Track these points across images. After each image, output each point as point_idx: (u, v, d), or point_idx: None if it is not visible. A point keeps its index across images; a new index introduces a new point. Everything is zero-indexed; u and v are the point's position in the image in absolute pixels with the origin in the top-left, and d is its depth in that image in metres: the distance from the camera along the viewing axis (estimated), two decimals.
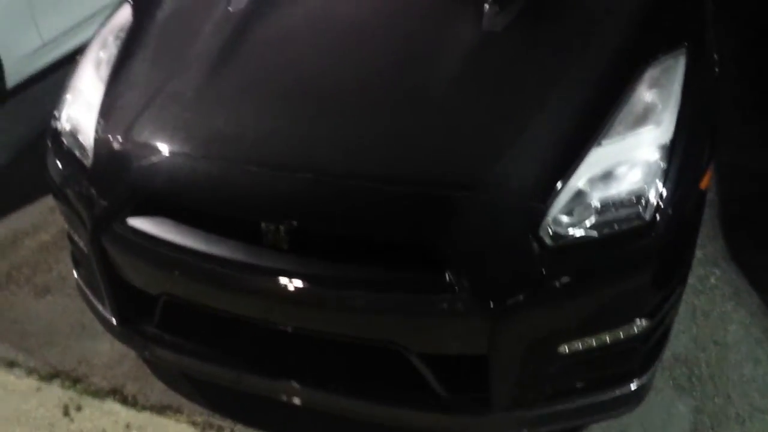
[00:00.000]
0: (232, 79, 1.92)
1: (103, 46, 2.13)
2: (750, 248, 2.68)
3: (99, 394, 2.23)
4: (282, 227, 1.64)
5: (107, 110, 1.92)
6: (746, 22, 4.22)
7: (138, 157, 1.79)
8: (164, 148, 1.78)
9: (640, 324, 1.72)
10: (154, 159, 1.77)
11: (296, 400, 1.87)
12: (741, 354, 2.28)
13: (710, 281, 2.55)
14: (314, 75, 1.90)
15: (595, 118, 1.68)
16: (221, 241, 1.70)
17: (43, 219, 2.99)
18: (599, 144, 1.65)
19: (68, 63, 2.17)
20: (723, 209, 2.88)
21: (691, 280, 2.53)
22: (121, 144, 1.84)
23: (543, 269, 1.57)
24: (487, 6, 1.98)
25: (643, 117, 1.70)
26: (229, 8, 2.12)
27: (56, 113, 2.04)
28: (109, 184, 1.82)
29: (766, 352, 2.28)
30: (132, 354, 2.30)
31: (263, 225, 1.65)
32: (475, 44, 1.88)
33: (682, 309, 2.41)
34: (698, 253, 2.64)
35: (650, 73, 1.76)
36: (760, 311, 2.43)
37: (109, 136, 1.86)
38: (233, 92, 1.89)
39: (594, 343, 1.70)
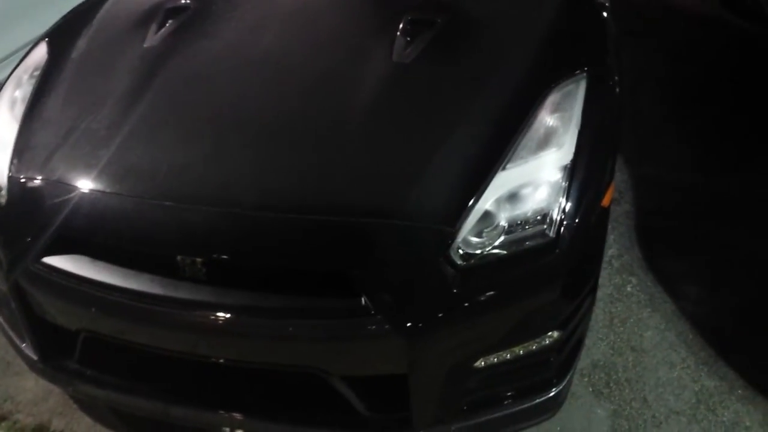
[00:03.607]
0: (146, 116, 1.93)
1: (18, 85, 2.12)
2: (666, 258, 2.80)
3: (25, 431, 2.20)
4: (198, 260, 1.66)
5: (21, 149, 1.91)
6: (673, 42, 4.41)
7: (51, 196, 1.79)
8: (78, 185, 1.78)
9: (552, 336, 1.80)
10: (68, 197, 1.77)
11: (224, 429, 1.88)
12: (656, 359, 2.39)
13: (627, 289, 2.66)
14: (228, 109, 1.93)
15: (500, 144, 1.75)
16: (138, 277, 1.71)
17: None
18: (504, 168, 1.72)
19: None
20: (641, 221, 3.00)
21: (609, 289, 2.64)
22: (34, 183, 1.83)
23: (455, 289, 1.63)
24: (396, 38, 2.04)
25: (545, 140, 1.78)
26: (144, 45, 2.14)
27: None
28: (23, 223, 1.81)
29: (681, 356, 2.39)
30: (58, 389, 2.28)
31: (179, 258, 1.66)
32: (386, 76, 1.94)
33: (600, 317, 2.52)
34: (615, 263, 2.77)
35: (552, 98, 1.85)
36: (675, 317, 2.54)
37: (23, 174, 1.85)
38: (147, 129, 1.90)
39: (509, 357, 1.77)
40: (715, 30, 4.47)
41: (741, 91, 3.84)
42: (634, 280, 2.70)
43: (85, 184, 1.78)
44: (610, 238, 2.84)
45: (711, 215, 3.00)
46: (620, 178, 3.18)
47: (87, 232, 1.77)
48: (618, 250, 2.84)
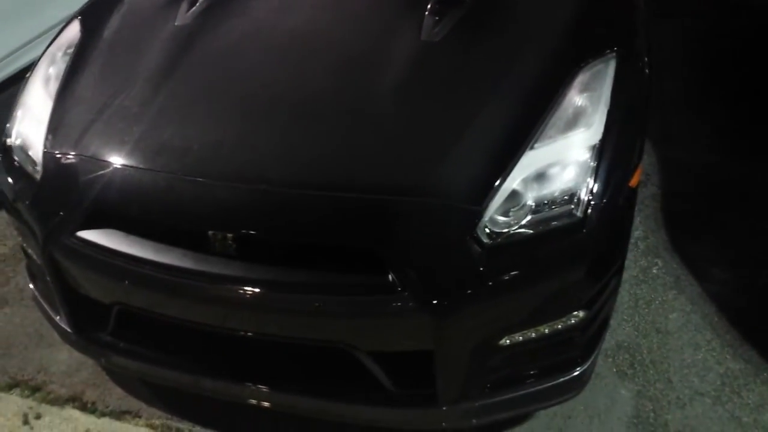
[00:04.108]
0: (177, 93, 1.96)
1: (52, 62, 2.16)
2: (692, 240, 2.79)
3: (58, 401, 2.27)
4: (229, 235, 1.69)
5: (56, 125, 1.95)
6: (703, 23, 4.34)
7: (85, 171, 1.83)
8: (111, 161, 1.82)
9: (577, 315, 1.81)
10: (102, 172, 1.80)
11: (251, 401, 1.92)
12: (682, 340, 2.39)
13: (652, 271, 2.65)
14: (258, 87, 1.95)
15: (528, 123, 1.76)
16: (170, 251, 1.74)
17: (0, 231, 3.00)
18: (532, 147, 1.72)
19: (21, 79, 2.20)
20: (666, 203, 2.99)
21: (634, 270, 2.64)
22: (69, 158, 1.87)
23: (481, 267, 1.64)
24: (425, 17, 2.04)
25: (574, 120, 1.78)
26: (176, 23, 2.16)
27: (7, 129, 2.06)
28: (58, 198, 1.86)
29: (706, 339, 2.39)
30: (90, 361, 2.34)
31: (210, 233, 1.69)
32: (414, 54, 1.95)
33: (625, 298, 2.52)
34: (641, 245, 2.76)
35: (581, 78, 1.84)
36: (701, 299, 2.53)
37: (58, 150, 1.89)
38: (179, 106, 1.93)
39: (534, 335, 1.79)
40: (745, 11, 4.39)
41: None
42: (659, 262, 2.69)
43: (118, 160, 1.82)
44: (636, 220, 2.83)
45: (738, 199, 2.98)
46: (647, 160, 3.15)
47: (120, 207, 1.80)
48: (644, 233, 2.83)
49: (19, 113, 2.07)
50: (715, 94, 3.68)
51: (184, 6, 2.22)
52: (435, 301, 1.64)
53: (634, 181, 1.84)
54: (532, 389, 1.86)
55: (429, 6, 2.08)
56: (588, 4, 2.14)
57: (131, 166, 1.80)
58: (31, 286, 2.20)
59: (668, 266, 2.67)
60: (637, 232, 2.82)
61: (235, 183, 1.74)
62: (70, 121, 1.95)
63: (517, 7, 2.14)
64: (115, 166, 1.81)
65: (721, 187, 3.04)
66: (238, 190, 1.73)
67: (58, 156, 1.89)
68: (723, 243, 2.76)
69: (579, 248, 1.72)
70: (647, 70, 2.05)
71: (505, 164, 1.70)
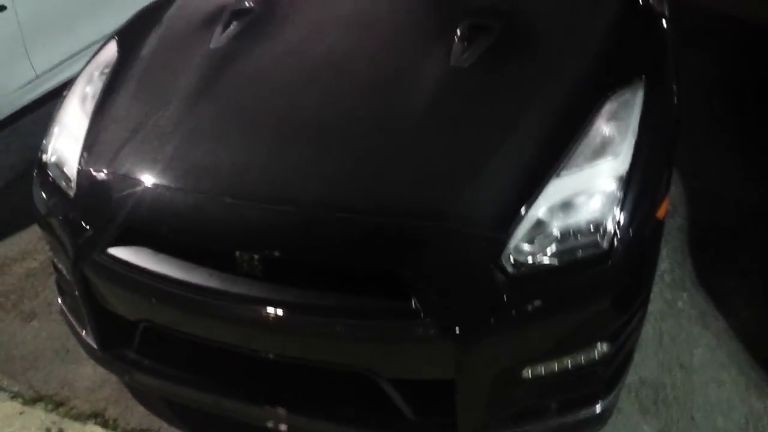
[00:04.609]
0: (211, 114, 2.00)
1: (89, 81, 2.22)
2: (719, 274, 2.75)
3: (81, 417, 2.28)
4: (256, 256, 1.70)
5: (91, 143, 1.99)
6: (729, 52, 4.32)
7: (118, 189, 1.86)
8: (144, 180, 1.85)
9: (601, 348, 1.79)
10: (135, 191, 1.84)
11: (269, 424, 1.92)
12: (706, 377, 2.34)
13: (678, 305, 2.62)
14: (288, 109, 1.98)
15: (555, 151, 1.76)
16: (197, 270, 1.77)
17: (32, 246, 3.06)
18: (558, 175, 1.73)
19: (60, 94, 2.26)
20: (694, 235, 2.95)
21: (659, 304, 2.61)
22: (103, 176, 1.91)
23: (505, 296, 1.64)
24: (454, 44, 2.07)
25: (601, 149, 1.78)
26: (211, 46, 2.22)
27: (43, 145, 2.12)
28: (91, 215, 1.89)
29: (731, 376, 2.34)
30: (114, 378, 2.35)
31: (238, 254, 1.71)
32: (443, 80, 1.97)
33: (649, 332, 2.49)
34: (667, 278, 2.73)
35: (609, 107, 1.85)
36: (726, 335, 2.49)
37: (92, 168, 1.93)
38: (211, 126, 1.97)
39: (557, 367, 1.77)
40: None
41: None
42: (685, 296, 2.66)
43: (150, 179, 1.85)
44: (663, 252, 2.80)
45: (763, 232, 2.93)
46: (674, 191, 3.13)
47: (150, 225, 1.83)
48: (670, 265, 2.80)
49: (56, 130, 2.13)
50: (746, 123, 3.64)
51: (218, 29, 2.28)
52: (458, 329, 1.63)
53: (661, 212, 1.83)
54: (553, 422, 1.84)
55: (459, 32, 2.10)
56: (616, 31, 2.15)
57: (163, 185, 1.83)
58: (59, 300, 2.23)
59: (694, 300, 2.64)
60: (663, 265, 2.79)
61: (263, 204, 1.76)
62: (105, 139, 1.99)
63: (545, 34, 2.16)
64: (146, 184, 1.84)
65: (751, 220, 3.00)
66: (266, 211, 1.75)
67: (92, 173, 1.93)
68: (751, 278, 2.72)
69: (604, 280, 1.71)
70: (675, 99, 2.05)
71: (531, 192, 1.70)
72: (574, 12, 2.24)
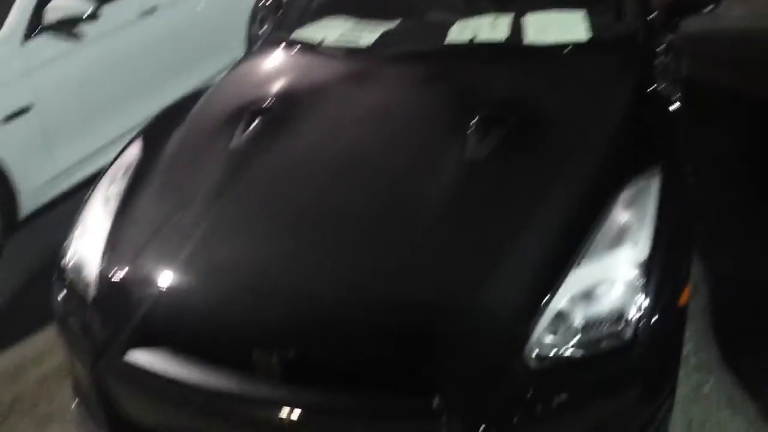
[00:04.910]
0: (230, 213, 2.02)
1: (112, 182, 2.25)
2: (745, 355, 2.67)
3: None
4: (276, 356, 1.69)
5: (112, 246, 2.01)
6: (741, 131, 4.35)
7: (138, 293, 1.87)
8: (163, 282, 1.86)
9: None
10: (153, 294, 1.84)
11: None
12: None
13: (704, 390, 2.54)
14: (307, 208, 2.00)
15: (573, 240, 1.76)
16: (216, 374, 1.74)
17: (49, 347, 3.02)
18: (578, 265, 1.72)
19: (82, 191, 2.28)
20: (717, 316, 2.90)
21: (685, 389, 2.53)
22: (122, 279, 1.92)
23: (529, 392, 1.61)
24: (469, 137, 2.10)
25: (620, 237, 1.77)
26: (231, 145, 2.25)
27: (64, 247, 2.13)
28: (109, 320, 1.89)
29: None
30: None
31: (258, 355, 1.70)
32: (459, 173, 1.99)
33: (678, 419, 2.40)
34: (692, 360, 2.67)
35: (625, 195, 1.85)
36: (759, 419, 2.41)
37: (112, 271, 1.94)
38: (231, 227, 1.99)
39: None
40: None
41: None
42: (712, 380, 2.59)
43: (170, 281, 1.85)
44: (687, 334, 2.71)
45: None
46: (695, 270, 3.09)
47: (170, 329, 1.83)
48: (695, 347, 2.74)
49: (77, 232, 2.14)
50: (763, 200, 3.64)
51: (239, 129, 2.31)
52: (483, 427, 1.60)
53: (683, 300, 1.82)
54: None
55: (473, 125, 2.13)
56: (629, 120, 2.18)
57: (181, 288, 1.84)
58: (75, 404, 2.20)
59: (721, 383, 2.57)
60: (687, 347, 2.72)
61: (282, 303, 1.76)
62: (126, 242, 2.01)
63: (560, 124, 2.19)
64: (165, 287, 1.85)
65: None
66: (287, 309, 1.75)
67: (112, 277, 1.94)
68: None
69: (629, 372, 1.69)
70: (691, 181, 2.06)
71: (551, 283, 1.69)
72: (586, 102, 2.27)
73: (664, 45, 2.60)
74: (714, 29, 4.69)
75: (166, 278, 1.86)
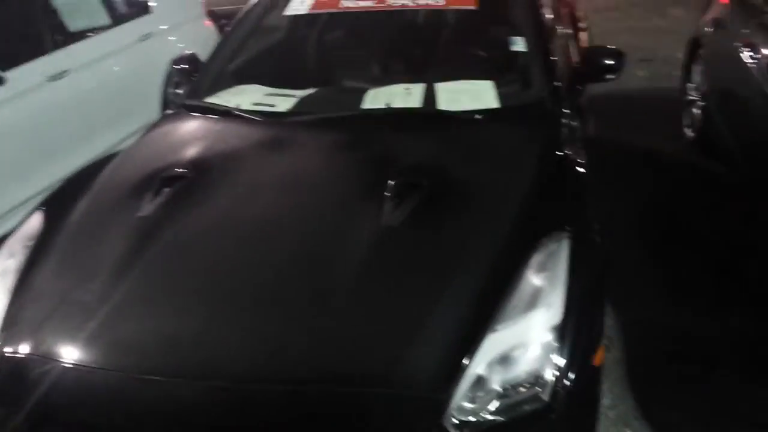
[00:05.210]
0: (135, 287, 1.94)
1: (10, 255, 2.14)
2: (661, 405, 2.74)
3: None
4: None
5: (9, 323, 1.91)
6: (641, 187, 4.55)
7: (37, 372, 1.76)
8: (64, 360, 1.77)
9: None
10: (53, 373, 1.74)
11: None
12: None
13: None
14: (218, 279, 1.95)
15: (488, 306, 1.78)
16: None
17: None
18: (494, 330, 1.74)
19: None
20: (632, 368, 2.97)
21: None
22: (21, 358, 1.81)
23: None
24: (385, 202, 2.09)
25: (533, 301, 1.80)
26: (138, 214, 2.17)
27: None
28: (7, 401, 1.77)
29: None
30: None
31: None
32: (375, 239, 1.99)
33: None
34: (610, 414, 2.71)
35: (537, 258, 1.89)
36: None
37: (9, 350, 1.84)
38: (137, 300, 1.91)
39: None
40: (683, 173, 4.64)
41: (715, 233, 3.93)
42: None
43: (69, 360, 1.77)
44: (604, 386, 2.79)
45: (700, 358, 2.98)
46: (607, 323, 3.16)
47: (68, 411, 1.73)
48: (612, 400, 2.79)
49: None
50: (666, 255, 3.79)
51: (148, 196, 2.24)
52: None
53: (597, 360, 1.85)
54: None
55: (388, 190, 2.13)
56: (538, 183, 2.23)
57: (84, 366, 1.75)
58: None
59: None
60: (604, 400, 2.77)
61: (191, 381, 1.69)
62: (25, 318, 1.91)
63: (473, 190, 2.21)
64: (65, 366, 1.75)
65: (685, 347, 3.04)
66: (195, 389, 1.68)
67: (9, 355, 1.83)
68: (694, 406, 2.73)
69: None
70: (599, 239, 2.11)
71: (468, 348, 1.70)
72: (497, 167, 2.31)
73: (570, 110, 2.70)
74: (618, 90, 4.94)
75: (66, 358, 1.77)
